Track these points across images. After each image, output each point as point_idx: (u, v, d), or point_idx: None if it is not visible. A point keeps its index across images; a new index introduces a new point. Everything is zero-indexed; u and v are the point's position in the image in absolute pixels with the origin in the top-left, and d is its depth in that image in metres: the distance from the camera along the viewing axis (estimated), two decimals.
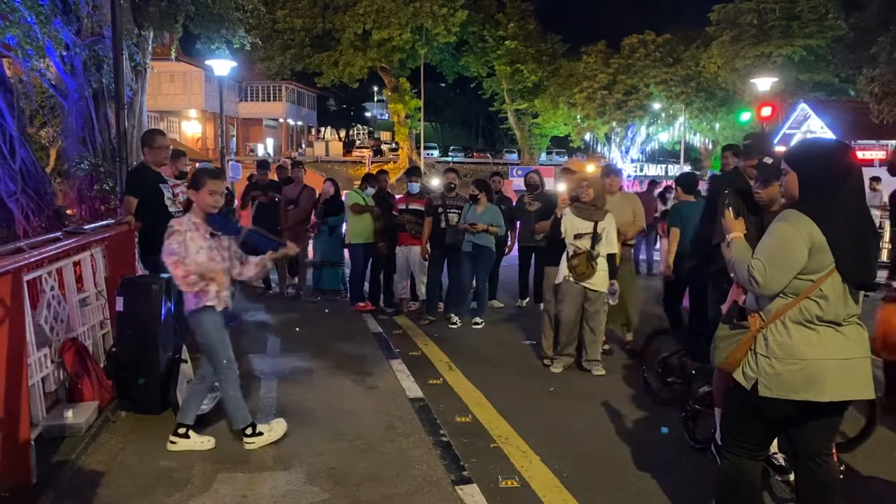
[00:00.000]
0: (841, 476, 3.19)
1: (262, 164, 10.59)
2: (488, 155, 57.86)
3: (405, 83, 45.66)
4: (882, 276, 3.99)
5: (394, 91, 45.62)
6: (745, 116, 28.23)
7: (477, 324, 7.89)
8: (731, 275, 3.04)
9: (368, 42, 41.07)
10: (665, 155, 51.66)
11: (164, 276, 4.65)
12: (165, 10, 11.21)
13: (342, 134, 70.65)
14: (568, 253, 6.04)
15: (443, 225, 7.99)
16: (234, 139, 51.26)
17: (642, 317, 6.93)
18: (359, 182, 9.36)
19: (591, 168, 11.21)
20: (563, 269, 6.06)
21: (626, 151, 47.30)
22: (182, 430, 4.31)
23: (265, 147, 54.08)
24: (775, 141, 24.87)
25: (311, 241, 9.95)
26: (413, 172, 9.42)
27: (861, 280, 2.78)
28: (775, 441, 3.73)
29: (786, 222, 2.76)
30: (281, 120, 56.38)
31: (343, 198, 9.36)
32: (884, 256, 9.25)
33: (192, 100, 47.55)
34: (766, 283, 2.74)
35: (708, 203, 5.37)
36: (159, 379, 4.82)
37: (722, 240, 3.18)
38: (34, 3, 9.20)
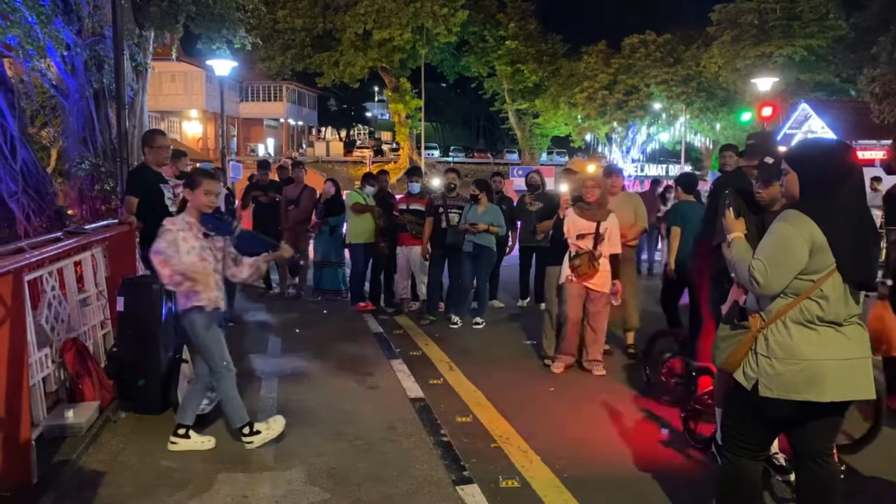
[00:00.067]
0: (841, 476, 3.19)
1: (263, 165, 10.60)
2: (489, 155, 57.86)
3: (406, 83, 45.66)
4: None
5: (394, 91, 45.62)
6: (746, 116, 28.23)
7: (477, 324, 7.89)
8: (732, 275, 3.04)
9: (369, 42, 41.07)
10: (666, 155, 51.63)
11: None
12: (166, 10, 11.21)
13: (343, 134, 70.69)
14: (570, 253, 6.04)
15: (444, 225, 8.00)
16: (235, 139, 51.28)
17: (644, 317, 6.93)
18: (359, 182, 9.37)
19: (591, 168, 11.17)
20: (565, 269, 6.06)
21: (627, 151, 47.30)
22: (182, 431, 4.31)
23: (266, 147, 54.10)
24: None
25: (311, 241, 9.95)
26: (414, 172, 9.42)
27: (862, 280, 2.78)
28: (776, 441, 3.73)
29: (786, 222, 2.76)
30: (282, 120, 56.39)
31: (344, 198, 9.36)
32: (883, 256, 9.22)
33: (192, 100, 47.58)
34: (766, 284, 2.74)
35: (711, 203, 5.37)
36: (160, 379, 4.83)
37: (723, 240, 3.18)
38: (35, 3, 9.21)
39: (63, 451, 4.20)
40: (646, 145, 48.40)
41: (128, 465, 4.08)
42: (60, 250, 4.91)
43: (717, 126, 42.89)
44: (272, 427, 4.36)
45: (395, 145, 53.67)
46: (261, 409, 5.07)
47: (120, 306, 4.95)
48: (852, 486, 3.66)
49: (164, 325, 4.87)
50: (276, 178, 10.35)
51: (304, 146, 58.39)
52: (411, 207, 8.52)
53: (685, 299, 6.71)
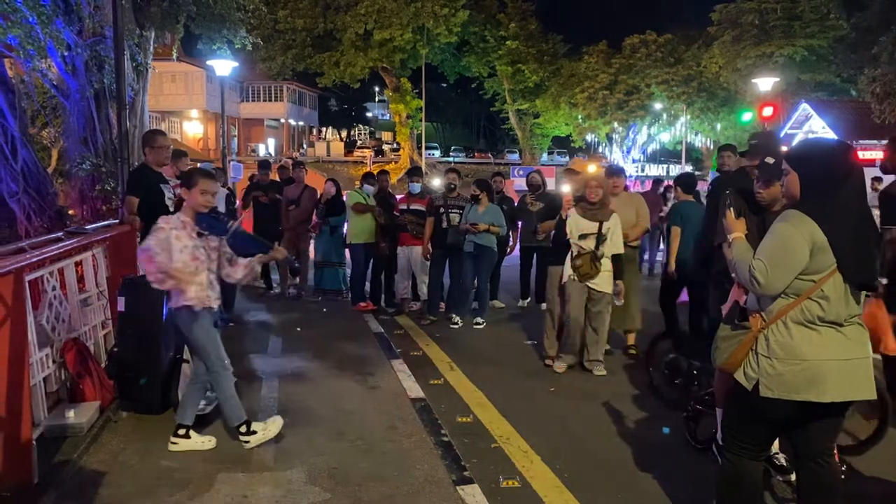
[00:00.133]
0: (842, 476, 3.19)
1: (264, 165, 10.60)
2: (490, 155, 57.86)
3: (406, 83, 45.66)
4: None
5: (395, 91, 45.62)
6: (747, 116, 28.23)
7: (478, 324, 7.89)
8: (733, 275, 3.04)
9: (370, 42, 41.08)
10: (666, 155, 51.61)
11: None
12: (167, 11, 11.20)
13: (343, 134, 70.69)
14: (572, 253, 6.04)
15: (444, 225, 8.00)
16: (236, 139, 51.30)
17: (645, 317, 6.92)
18: (359, 182, 9.38)
19: (592, 168, 11.15)
20: (567, 269, 6.06)
21: (628, 152, 47.29)
22: (182, 431, 4.31)
23: (266, 147, 54.12)
24: None
25: (312, 242, 9.96)
26: (414, 173, 9.43)
27: (862, 280, 2.78)
28: (777, 441, 3.73)
29: (787, 223, 2.76)
30: (282, 120, 56.41)
31: (344, 198, 9.37)
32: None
33: (193, 100, 47.60)
34: (767, 284, 2.74)
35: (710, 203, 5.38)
36: (161, 379, 4.83)
37: (723, 240, 3.18)
38: (36, 3, 9.20)
39: (64, 450, 4.20)
40: (646, 145, 48.40)
41: (128, 465, 4.09)
42: (61, 250, 4.91)
43: (718, 126, 42.89)
44: (269, 428, 4.35)
45: (395, 145, 53.67)
46: (261, 408, 5.07)
47: (121, 306, 4.95)
48: (855, 488, 3.65)
49: (164, 324, 4.87)
50: (277, 179, 10.35)
51: (304, 146, 58.40)
52: (412, 207, 8.52)
53: (684, 297, 6.73)
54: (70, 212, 10.88)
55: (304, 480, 3.90)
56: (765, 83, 21.97)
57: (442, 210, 8.07)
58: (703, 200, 7.29)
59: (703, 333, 6.19)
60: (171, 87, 44.61)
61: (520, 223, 9.12)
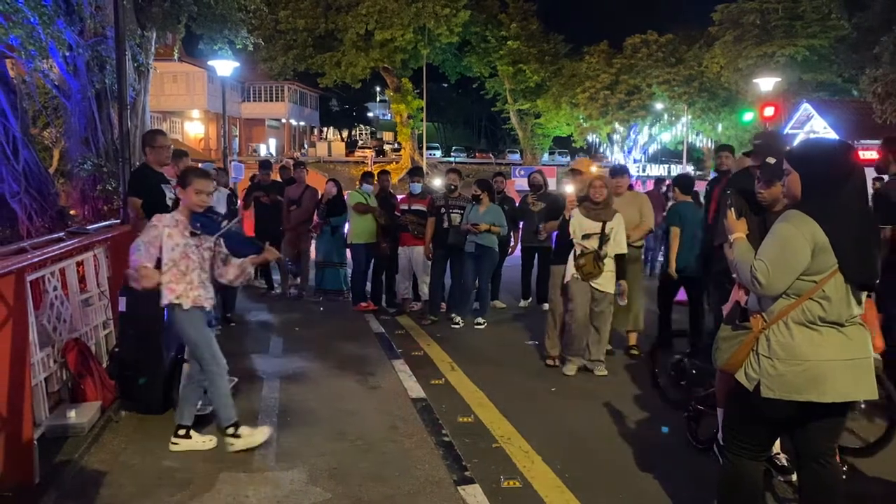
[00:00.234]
0: (844, 477, 3.18)
1: (265, 165, 10.61)
2: (491, 155, 57.82)
3: (407, 83, 45.64)
4: None
5: (396, 91, 45.61)
6: (748, 117, 28.17)
7: (479, 324, 7.88)
8: (734, 275, 3.04)
9: (371, 42, 41.05)
10: (668, 155, 51.58)
11: None
12: (168, 11, 11.21)
13: (344, 134, 70.67)
14: (575, 252, 6.03)
15: (445, 225, 8.00)
16: (237, 139, 51.31)
17: (649, 318, 6.92)
18: (358, 182, 9.38)
19: (593, 169, 11.15)
20: (570, 269, 6.06)
21: (629, 152, 47.26)
22: (182, 431, 4.32)
23: (268, 147, 54.14)
24: None
25: (313, 242, 9.96)
26: (415, 173, 9.43)
27: (863, 281, 2.77)
28: (778, 441, 3.73)
29: (788, 223, 2.75)
30: (283, 120, 56.42)
31: (345, 198, 9.37)
32: None
33: (194, 100, 47.59)
34: (768, 284, 2.74)
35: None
36: (162, 378, 4.83)
37: (724, 240, 3.17)
38: (37, 3, 9.21)
39: (65, 451, 4.20)
40: (647, 146, 48.38)
41: (129, 465, 4.09)
42: (63, 250, 4.92)
43: (719, 126, 42.85)
44: (255, 435, 4.32)
45: (396, 145, 53.67)
46: (262, 409, 5.08)
47: (122, 306, 4.95)
48: (856, 488, 3.65)
49: (165, 325, 4.87)
50: (278, 179, 10.36)
51: (305, 146, 58.40)
52: (413, 208, 8.52)
53: (682, 296, 6.73)
54: (71, 212, 10.89)
55: (304, 480, 3.91)
56: (766, 83, 21.96)
57: (443, 210, 8.07)
58: (703, 201, 7.30)
59: (702, 333, 6.20)
60: (173, 87, 44.61)
61: (521, 223, 9.12)
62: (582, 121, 46.41)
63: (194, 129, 49.81)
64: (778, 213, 3.16)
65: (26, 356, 3.83)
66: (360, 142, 66.33)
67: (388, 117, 61.12)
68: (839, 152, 2.87)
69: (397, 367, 6.21)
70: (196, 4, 11.53)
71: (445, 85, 58.07)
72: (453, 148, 60.27)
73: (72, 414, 4.50)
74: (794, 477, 3.59)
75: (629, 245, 6.27)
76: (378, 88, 62.64)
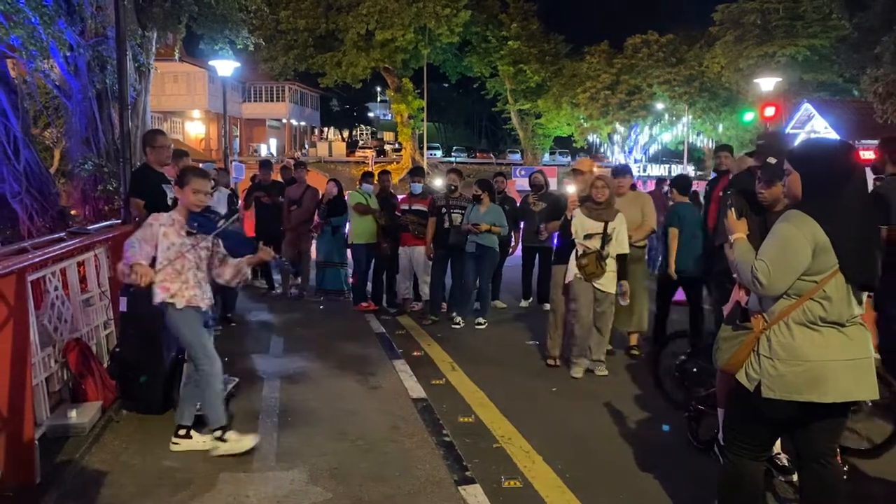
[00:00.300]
0: (845, 477, 3.18)
1: (266, 165, 10.62)
2: (491, 155, 57.82)
3: (408, 83, 45.65)
4: None
5: (397, 91, 45.62)
6: (749, 116, 28.18)
7: (480, 324, 7.88)
8: (734, 275, 3.04)
9: (371, 42, 41.05)
10: (668, 155, 51.56)
11: None
12: (169, 11, 11.21)
13: (345, 134, 70.68)
14: (577, 252, 6.03)
15: (446, 225, 8.00)
16: (238, 140, 51.34)
17: (649, 318, 6.91)
18: (358, 182, 9.38)
19: (594, 169, 11.18)
20: (572, 269, 6.06)
21: (630, 152, 47.22)
22: (182, 431, 4.32)
23: (268, 147, 54.16)
24: None
25: (314, 242, 9.97)
26: (416, 173, 9.43)
27: (864, 281, 2.77)
28: (779, 441, 3.73)
29: (789, 223, 2.75)
30: (284, 120, 56.44)
31: (346, 198, 9.37)
32: None
33: (195, 100, 47.63)
34: (769, 285, 2.74)
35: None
36: (162, 379, 4.83)
37: (725, 240, 3.17)
38: (38, 3, 9.21)
39: (66, 450, 4.21)
40: (648, 146, 48.33)
41: (130, 465, 4.09)
42: (63, 250, 4.92)
43: (720, 126, 42.82)
44: (242, 442, 4.27)
45: (397, 145, 53.67)
46: (263, 408, 5.08)
47: (123, 306, 4.96)
48: (857, 488, 3.65)
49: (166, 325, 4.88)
50: (279, 179, 10.36)
51: (306, 146, 58.42)
52: (413, 208, 8.52)
53: (681, 296, 6.73)
54: (72, 212, 10.89)
55: (305, 480, 3.91)
56: (767, 83, 21.95)
57: (444, 210, 8.07)
58: (703, 201, 7.30)
59: (702, 333, 6.20)
60: (174, 87, 44.66)
61: (522, 223, 9.12)
62: (582, 121, 46.38)
63: (195, 129, 49.84)
64: (779, 213, 3.16)
65: (27, 356, 3.83)
66: (361, 142, 66.34)
67: (389, 117, 61.11)
68: (840, 152, 2.87)
69: (398, 367, 6.21)
70: (197, 4, 11.52)
71: (446, 85, 58.07)
72: (454, 148, 60.25)
73: (73, 414, 4.51)
74: (795, 477, 3.59)
75: (631, 245, 6.26)
76: (379, 88, 62.63)
